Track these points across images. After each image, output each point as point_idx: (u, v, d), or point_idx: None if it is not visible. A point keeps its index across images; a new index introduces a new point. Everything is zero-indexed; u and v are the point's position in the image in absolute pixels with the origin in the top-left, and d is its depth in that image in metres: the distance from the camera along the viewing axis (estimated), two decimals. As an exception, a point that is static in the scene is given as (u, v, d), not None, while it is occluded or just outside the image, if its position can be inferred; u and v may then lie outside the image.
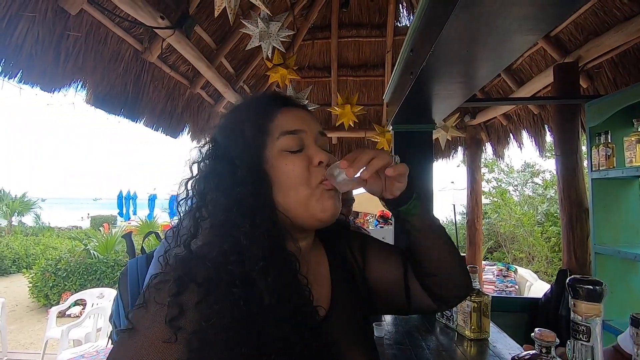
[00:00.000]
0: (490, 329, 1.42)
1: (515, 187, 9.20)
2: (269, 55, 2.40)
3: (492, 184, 9.31)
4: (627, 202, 2.18)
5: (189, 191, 0.60)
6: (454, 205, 9.05)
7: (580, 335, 0.48)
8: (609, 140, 2.11)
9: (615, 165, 2.06)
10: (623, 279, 2.16)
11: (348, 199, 2.00)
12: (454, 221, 9.09)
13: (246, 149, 0.58)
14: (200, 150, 0.62)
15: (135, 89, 2.47)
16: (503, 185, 9.23)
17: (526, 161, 9.19)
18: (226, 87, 3.26)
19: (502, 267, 6.48)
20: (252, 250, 0.51)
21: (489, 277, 6.36)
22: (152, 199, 11.75)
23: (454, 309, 1.46)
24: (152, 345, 0.46)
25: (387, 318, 1.65)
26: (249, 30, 2.32)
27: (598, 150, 2.15)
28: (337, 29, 4.14)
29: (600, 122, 2.16)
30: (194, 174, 0.60)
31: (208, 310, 0.48)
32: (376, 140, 4.23)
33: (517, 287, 6.21)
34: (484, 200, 8.84)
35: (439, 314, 1.57)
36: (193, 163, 0.61)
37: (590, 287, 0.48)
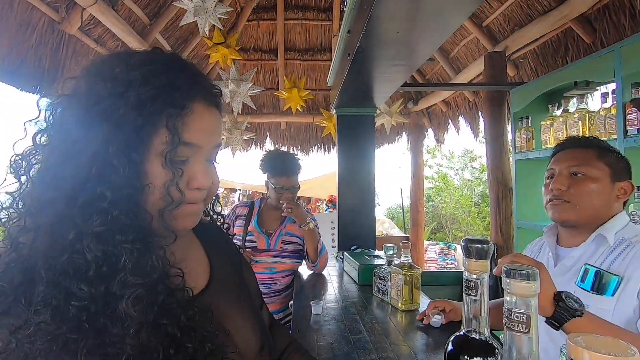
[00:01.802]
0: (421, 300, 1.50)
1: (456, 172, 9.84)
2: (206, 33, 2.28)
3: (435, 169, 9.87)
4: (543, 181, 2.41)
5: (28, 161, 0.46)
6: (401, 189, 9.51)
7: (471, 291, 0.51)
8: (529, 125, 2.30)
9: (534, 147, 2.27)
10: (539, 249, 2.41)
11: (293, 187, 1.98)
12: (401, 204, 9.57)
13: (131, 133, 0.46)
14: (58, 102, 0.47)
15: (54, 63, 2.22)
16: (444, 170, 9.83)
17: (466, 147, 9.86)
18: (163, 66, 3.05)
19: (444, 246, 6.95)
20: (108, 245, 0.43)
21: (431, 256, 6.79)
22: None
23: (388, 283, 1.52)
24: None
25: (328, 297, 1.68)
26: (183, 4, 2.17)
27: (520, 134, 2.35)
28: (283, 10, 4.04)
29: (522, 108, 2.34)
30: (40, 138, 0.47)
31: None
32: (324, 125, 4.25)
33: (456, 263, 6.70)
34: (428, 185, 9.35)
35: (375, 289, 1.64)
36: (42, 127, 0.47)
37: (479, 245, 0.52)
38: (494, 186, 2.71)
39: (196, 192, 0.53)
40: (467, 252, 0.52)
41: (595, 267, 0.95)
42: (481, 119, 3.81)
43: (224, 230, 0.73)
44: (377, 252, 2.18)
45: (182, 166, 0.50)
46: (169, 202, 0.49)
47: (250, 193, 8.39)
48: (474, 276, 0.52)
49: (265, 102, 4.78)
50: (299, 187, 2.03)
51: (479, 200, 8.65)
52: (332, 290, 1.78)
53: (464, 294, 0.53)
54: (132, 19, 2.65)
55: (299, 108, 3.90)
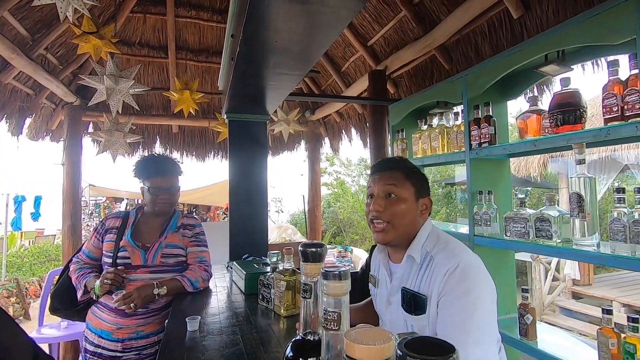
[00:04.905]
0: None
1: (353, 179, 10.54)
2: (69, 18, 1.98)
3: (334, 176, 10.42)
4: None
5: None
6: (303, 196, 9.77)
7: (307, 294, 0.53)
8: (404, 137, 2.59)
9: (408, 157, 2.55)
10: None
11: (170, 187, 1.82)
12: (304, 210, 9.83)
13: None
14: None
15: None
16: (342, 177, 10.45)
17: (361, 156, 10.66)
18: (14, 52, 2.54)
19: (341, 249, 7.33)
20: None
21: (330, 259, 7.09)
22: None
23: (272, 290, 1.52)
24: None
25: (210, 310, 1.59)
26: (38, -18, 1.85)
27: (397, 145, 2.62)
28: (174, 6, 3.78)
29: (398, 122, 2.62)
30: None
31: None
32: (219, 129, 4.09)
33: (352, 265, 7.13)
34: (328, 191, 9.80)
35: (260, 297, 1.61)
36: None
37: (314, 249, 0.54)
38: (377, 192, 2.96)
39: None
40: (304, 257, 0.54)
41: (410, 290, 1.06)
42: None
43: None
44: (268, 260, 2.16)
45: None
46: None
47: (139, 202, 7.58)
48: (310, 279, 0.54)
49: (155, 102, 4.40)
50: (178, 189, 1.89)
51: (373, 205, 9.41)
52: (215, 303, 1.69)
53: (302, 298, 0.54)
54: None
55: (192, 111, 3.67)
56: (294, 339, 0.55)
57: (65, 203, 3.73)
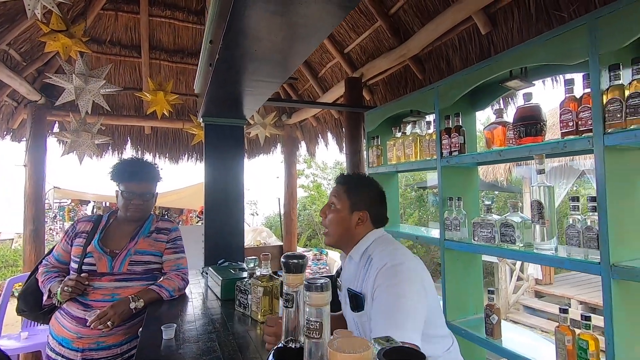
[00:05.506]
0: (280, 309, 1.55)
1: (329, 182, 10.62)
2: (37, 15, 1.90)
3: (311, 179, 10.45)
4: (389, 192, 2.79)
5: None
6: (279, 198, 9.74)
7: (289, 303, 0.55)
8: (379, 143, 2.66)
9: (382, 163, 2.63)
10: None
11: (144, 193, 1.79)
12: (279, 213, 9.79)
13: None
14: None
15: None
16: (319, 180, 10.50)
17: (337, 159, 10.76)
18: (-27, 47, 2.40)
19: (317, 252, 7.37)
20: None
21: (306, 262, 7.13)
22: None
23: (249, 296, 1.52)
24: None
25: (186, 317, 1.58)
26: (4, -23, 1.77)
27: (372, 151, 2.69)
28: (148, 5, 3.69)
29: (373, 128, 2.69)
30: None
31: None
32: (194, 132, 4.03)
33: (327, 268, 7.18)
34: (304, 194, 9.81)
35: (237, 303, 1.61)
36: None
37: (296, 261, 0.56)
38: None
39: None
40: (287, 268, 0.57)
41: (352, 290, 1.18)
42: (345, 135, 4.21)
43: None
44: (244, 265, 2.15)
45: None
46: None
47: (107, 205, 7.29)
48: (292, 289, 0.56)
49: (126, 103, 4.26)
50: (153, 196, 1.85)
51: (348, 208, 9.50)
52: (191, 310, 1.67)
53: (283, 307, 0.57)
54: None
55: (165, 113, 3.59)
56: (275, 347, 0.57)
57: (27, 206, 3.55)
